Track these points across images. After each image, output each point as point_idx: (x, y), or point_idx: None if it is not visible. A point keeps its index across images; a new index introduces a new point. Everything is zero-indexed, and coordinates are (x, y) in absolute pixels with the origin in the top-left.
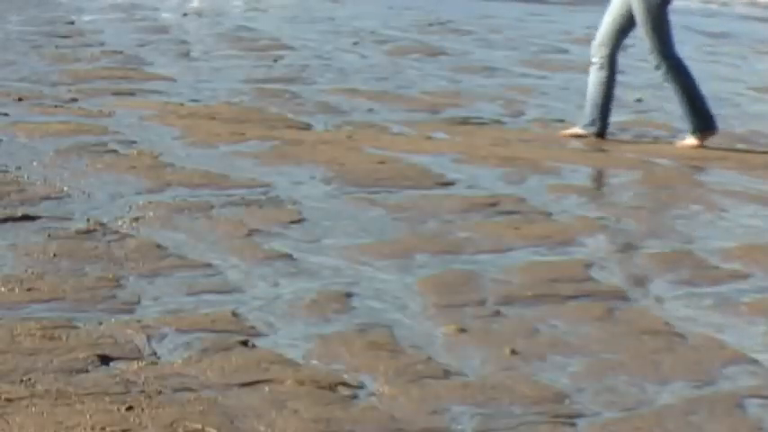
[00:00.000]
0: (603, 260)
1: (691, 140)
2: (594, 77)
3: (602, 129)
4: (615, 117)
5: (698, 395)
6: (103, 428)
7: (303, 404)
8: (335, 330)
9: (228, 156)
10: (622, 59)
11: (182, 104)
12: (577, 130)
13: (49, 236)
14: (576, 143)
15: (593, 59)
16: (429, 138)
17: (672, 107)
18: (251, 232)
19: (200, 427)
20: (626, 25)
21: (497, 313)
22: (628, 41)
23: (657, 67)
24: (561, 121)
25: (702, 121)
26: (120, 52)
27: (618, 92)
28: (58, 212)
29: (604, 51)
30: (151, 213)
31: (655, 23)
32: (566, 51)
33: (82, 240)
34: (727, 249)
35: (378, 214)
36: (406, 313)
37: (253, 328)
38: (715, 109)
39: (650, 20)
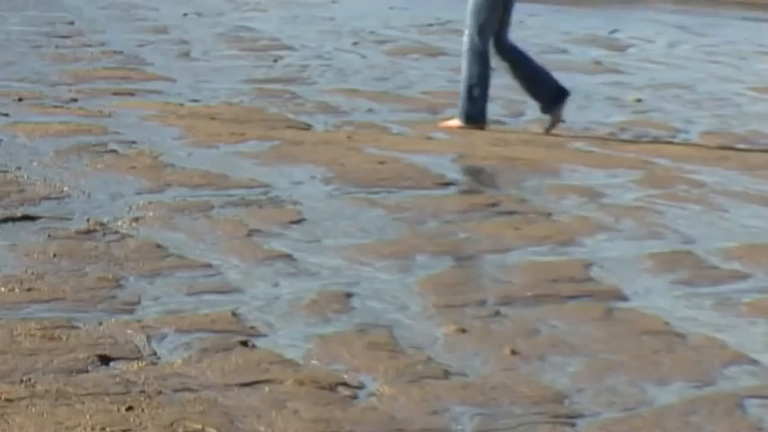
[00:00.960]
0: (603, 260)
1: (456, 122)
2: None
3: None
4: (615, 117)
5: (698, 395)
6: (103, 429)
7: (303, 404)
8: (335, 330)
9: (228, 156)
10: (621, 60)
11: (181, 105)
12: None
13: (48, 236)
14: (576, 144)
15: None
16: (429, 138)
17: (672, 107)
18: (251, 232)
19: (200, 427)
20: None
21: (497, 313)
22: (628, 42)
23: (465, 44)
24: (562, 121)
25: (475, 111)
26: (121, 52)
27: (617, 92)
28: (58, 212)
29: (492, 43)
30: (151, 213)
31: (479, 9)
32: (565, 52)
33: (82, 240)
34: (728, 249)
35: (378, 214)
36: (406, 313)
37: (253, 328)
38: (715, 109)
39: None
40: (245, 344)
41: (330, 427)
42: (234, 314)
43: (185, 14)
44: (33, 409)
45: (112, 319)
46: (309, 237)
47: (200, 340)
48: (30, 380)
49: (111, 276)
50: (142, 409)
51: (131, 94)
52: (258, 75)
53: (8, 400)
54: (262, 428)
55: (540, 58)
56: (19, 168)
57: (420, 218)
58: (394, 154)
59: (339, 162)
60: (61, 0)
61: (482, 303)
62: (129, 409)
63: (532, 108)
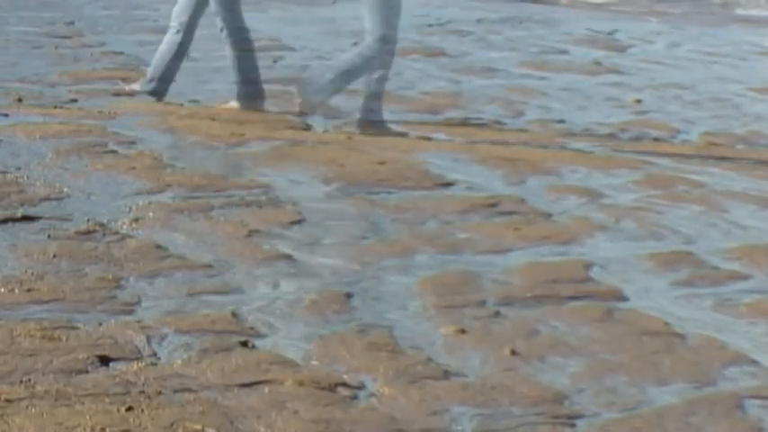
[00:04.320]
0: (603, 261)
1: (233, 104)
2: (169, 40)
3: (159, 90)
4: (615, 118)
5: (698, 396)
6: (103, 429)
7: (303, 405)
8: (335, 331)
9: (228, 156)
10: (621, 60)
11: (181, 105)
12: (134, 86)
13: (48, 236)
14: (576, 144)
15: (172, 24)
16: (429, 138)
17: (672, 108)
18: (251, 233)
19: (199, 427)
20: None
21: (497, 314)
22: (628, 43)
23: (221, 30)
24: (562, 122)
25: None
26: (121, 53)
27: (617, 92)
28: (57, 213)
29: (183, 18)
30: (151, 214)
31: None
32: (566, 52)
33: (82, 241)
34: (728, 250)
35: (378, 215)
36: (406, 314)
37: (252, 328)
38: (716, 110)
39: None
40: (244, 344)
41: (330, 428)
42: (234, 314)
43: None
44: (33, 410)
45: (112, 320)
46: (309, 237)
47: (200, 341)
48: (29, 380)
49: (110, 277)
50: (142, 410)
51: (131, 94)
52: None
53: (8, 400)
54: (261, 429)
55: (540, 59)
56: (19, 169)
57: (420, 218)
58: (394, 155)
59: (339, 162)
60: (61, 0)
61: (482, 304)
62: (129, 409)
63: (532, 109)
